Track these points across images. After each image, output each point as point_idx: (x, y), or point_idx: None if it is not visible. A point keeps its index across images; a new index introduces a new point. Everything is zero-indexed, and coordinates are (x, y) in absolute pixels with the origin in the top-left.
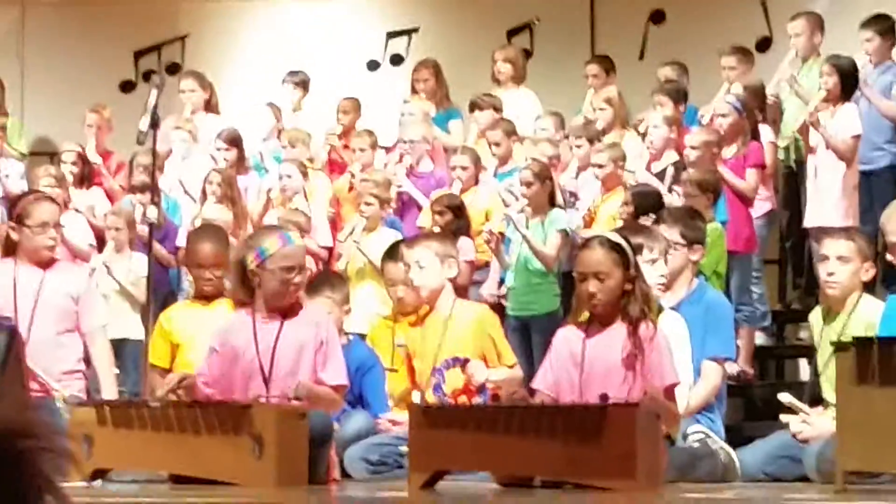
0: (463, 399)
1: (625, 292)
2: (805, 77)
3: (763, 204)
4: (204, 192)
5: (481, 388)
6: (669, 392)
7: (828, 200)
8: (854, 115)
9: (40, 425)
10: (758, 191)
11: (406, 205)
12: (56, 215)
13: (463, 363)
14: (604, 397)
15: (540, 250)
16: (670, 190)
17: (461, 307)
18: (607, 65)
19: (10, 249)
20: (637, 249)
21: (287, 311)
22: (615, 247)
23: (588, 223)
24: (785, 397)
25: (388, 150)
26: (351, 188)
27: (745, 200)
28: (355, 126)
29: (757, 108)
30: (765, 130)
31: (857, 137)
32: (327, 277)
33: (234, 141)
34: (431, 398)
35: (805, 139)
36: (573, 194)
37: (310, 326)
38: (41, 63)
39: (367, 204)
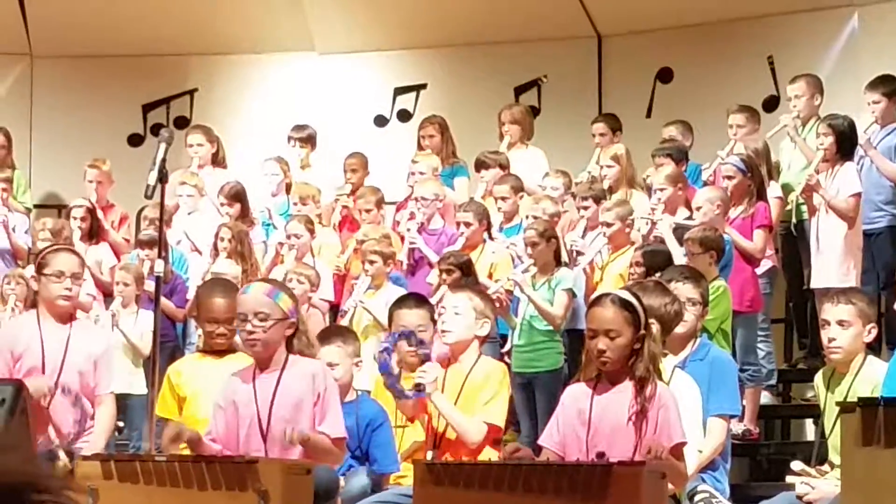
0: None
1: (633, 351)
2: (805, 139)
3: (765, 262)
4: (215, 247)
5: (419, 386)
6: (677, 451)
7: (831, 261)
8: (853, 173)
9: (50, 479)
10: (765, 251)
11: (418, 262)
12: (74, 266)
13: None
14: (600, 455)
15: (547, 311)
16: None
17: (482, 364)
18: (614, 123)
19: (34, 302)
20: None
21: (283, 363)
22: (627, 305)
23: (595, 282)
24: (797, 465)
25: (398, 206)
26: (356, 250)
27: (751, 261)
28: (364, 183)
29: (762, 166)
30: (773, 187)
31: (858, 196)
32: (339, 330)
33: (237, 196)
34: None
35: (809, 202)
36: (580, 253)
37: (306, 379)
38: (49, 116)
39: (371, 262)
